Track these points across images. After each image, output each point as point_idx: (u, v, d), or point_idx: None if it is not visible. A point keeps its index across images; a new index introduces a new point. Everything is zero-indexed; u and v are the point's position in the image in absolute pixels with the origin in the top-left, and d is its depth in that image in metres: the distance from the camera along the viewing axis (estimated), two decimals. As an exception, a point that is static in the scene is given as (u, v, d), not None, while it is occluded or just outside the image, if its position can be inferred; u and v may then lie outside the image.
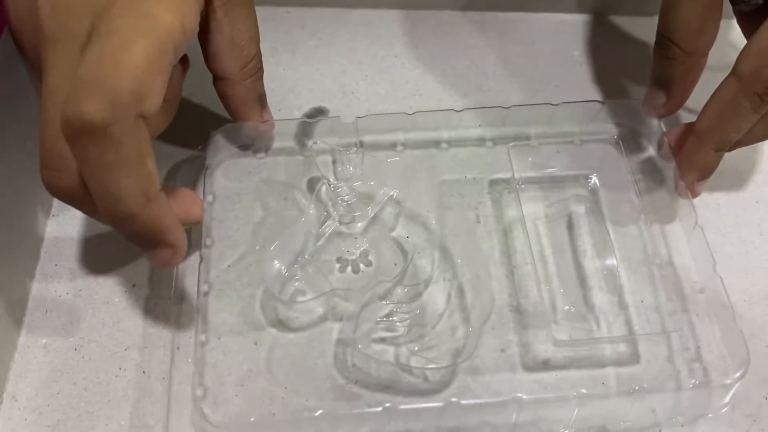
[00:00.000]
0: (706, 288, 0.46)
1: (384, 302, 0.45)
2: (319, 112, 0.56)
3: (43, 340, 0.45)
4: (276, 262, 0.46)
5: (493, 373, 0.44)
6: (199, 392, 0.42)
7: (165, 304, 0.46)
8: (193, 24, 0.37)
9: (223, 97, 0.47)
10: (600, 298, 0.46)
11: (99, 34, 0.33)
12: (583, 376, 0.44)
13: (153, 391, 0.43)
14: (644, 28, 0.60)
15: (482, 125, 0.52)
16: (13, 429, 0.42)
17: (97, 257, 0.48)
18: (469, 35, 0.61)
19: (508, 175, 0.50)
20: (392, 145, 0.52)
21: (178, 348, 0.44)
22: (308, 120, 0.53)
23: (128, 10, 0.34)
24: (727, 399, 0.43)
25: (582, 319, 0.45)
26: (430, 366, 0.43)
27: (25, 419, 0.42)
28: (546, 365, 0.44)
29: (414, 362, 0.43)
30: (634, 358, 0.44)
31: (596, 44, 0.61)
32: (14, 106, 0.45)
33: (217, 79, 0.45)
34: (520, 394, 0.41)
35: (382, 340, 0.44)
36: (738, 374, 0.42)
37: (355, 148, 0.50)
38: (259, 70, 0.46)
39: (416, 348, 0.44)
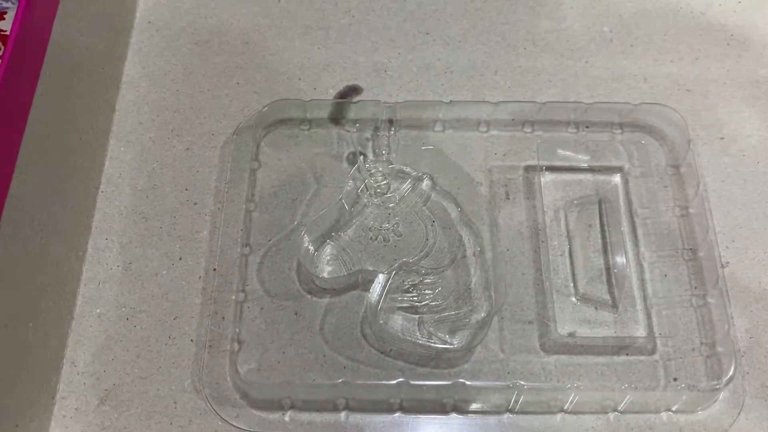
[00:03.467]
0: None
1: (409, 275, 0.48)
2: (352, 90, 0.57)
3: (98, 310, 0.48)
4: (306, 239, 0.48)
5: (509, 354, 0.46)
6: (236, 347, 0.46)
7: (210, 276, 0.49)
8: None
9: None
10: (620, 286, 0.48)
11: None
12: (596, 363, 0.46)
13: (201, 358, 0.46)
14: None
15: (516, 119, 0.54)
16: (72, 392, 0.45)
17: (144, 231, 0.50)
18: (499, 11, 0.61)
19: (543, 163, 0.52)
20: (429, 126, 0.54)
21: (223, 318, 0.47)
22: (342, 101, 0.54)
23: None
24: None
25: (600, 304, 0.48)
26: (445, 346, 0.46)
27: (84, 383, 0.46)
28: (564, 347, 0.46)
29: (433, 339, 0.46)
30: (649, 347, 0.47)
31: (627, 21, 0.61)
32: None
33: None
34: (522, 382, 0.44)
35: (405, 311, 0.47)
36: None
37: (392, 131, 0.52)
38: None
39: (436, 323, 0.46)
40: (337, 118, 0.54)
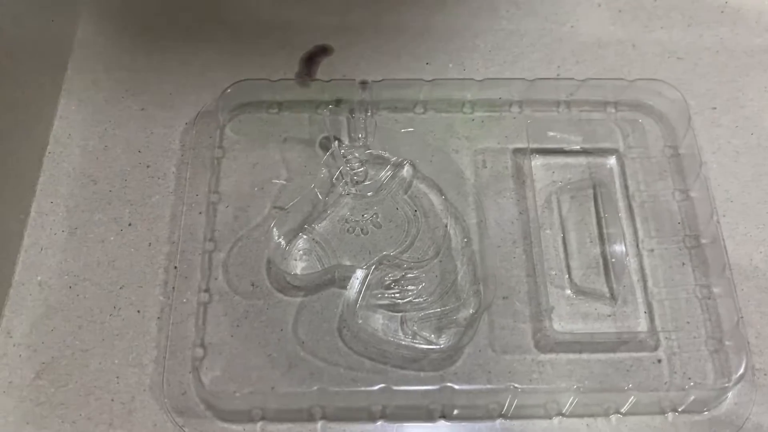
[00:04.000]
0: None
1: (390, 270, 0.44)
2: (322, 51, 0.54)
3: (38, 278, 0.45)
4: (276, 233, 0.45)
5: (499, 353, 0.43)
6: (199, 352, 0.42)
7: (162, 244, 0.46)
8: None
9: None
10: (619, 277, 0.45)
11: None
12: (595, 361, 0.43)
13: (147, 331, 0.43)
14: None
15: (502, 98, 0.51)
16: (7, 365, 0.42)
17: (92, 195, 0.48)
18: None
19: (533, 145, 0.49)
20: (410, 108, 0.51)
21: (173, 288, 0.44)
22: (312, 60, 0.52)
23: None
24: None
25: (598, 297, 0.45)
26: (431, 347, 0.42)
27: (20, 355, 0.42)
28: (560, 345, 0.43)
29: (417, 339, 0.43)
30: (652, 343, 0.44)
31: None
32: None
33: None
34: (516, 385, 0.41)
35: (386, 309, 0.44)
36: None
37: (369, 114, 0.49)
38: None
39: (420, 322, 0.43)
40: (302, 76, 0.52)
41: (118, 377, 0.42)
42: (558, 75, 0.53)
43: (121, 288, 0.45)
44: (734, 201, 0.49)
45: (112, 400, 0.41)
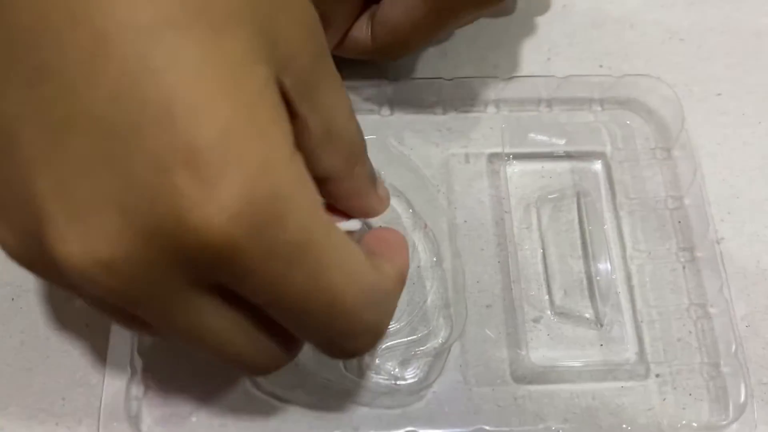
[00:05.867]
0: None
1: None
2: None
3: None
4: None
5: (472, 385, 0.39)
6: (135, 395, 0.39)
7: None
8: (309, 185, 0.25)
9: (330, 198, 0.33)
10: (604, 298, 0.41)
11: None
12: (578, 392, 0.40)
13: (96, 347, 0.40)
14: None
15: (475, 98, 0.47)
16: None
17: None
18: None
19: (509, 150, 0.45)
20: (375, 110, 0.46)
21: (121, 354, 0.39)
22: None
23: (273, 256, 0.23)
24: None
25: (580, 322, 0.41)
26: (396, 382, 0.39)
27: None
28: (539, 376, 0.40)
29: (381, 373, 0.39)
30: (641, 371, 0.40)
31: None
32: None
33: (319, 182, 0.31)
34: (488, 428, 0.38)
35: None
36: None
37: None
38: (364, 146, 0.33)
39: (384, 353, 0.40)
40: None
41: (63, 399, 0.39)
42: (548, 59, 0.49)
43: (67, 300, 0.41)
44: (741, 197, 0.45)
45: (57, 424, 0.38)
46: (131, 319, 0.26)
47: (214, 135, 0.21)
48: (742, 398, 0.38)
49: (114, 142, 0.21)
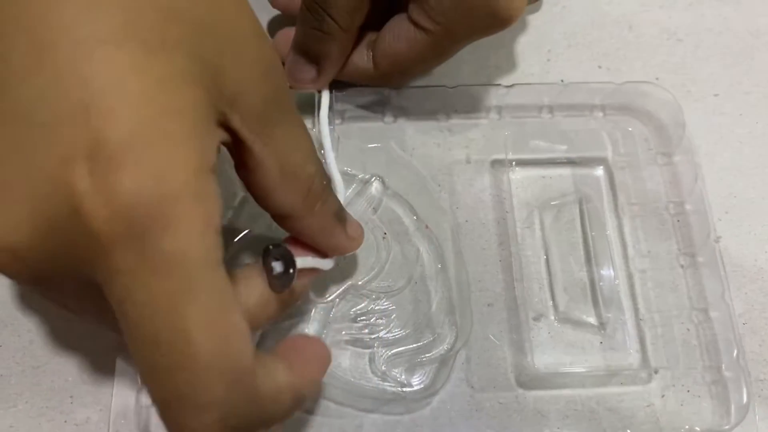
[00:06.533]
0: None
1: (357, 301, 0.41)
2: None
3: None
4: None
5: (477, 390, 0.40)
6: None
7: None
8: (217, 210, 0.25)
9: (294, 234, 0.35)
10: (607, 303, 0.41)
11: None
12: (582, 397, 0.40)
13: (103, 346, 0.40)
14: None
15: (478, 106, 0.46)
16: None
17: None
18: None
19: (512, 156, 0.45)
20: (378, 117, 0.46)
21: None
22: None
23: (141, 268, 0.23)
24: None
25: (583, 327, 0.41)
26: (403, 389, 0.39)
27: None
28: (543, 381, 0.40)
29: (387, 380, 0.39)
30: (644, 375, 0.40)
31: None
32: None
33: (279, 218, 0.33)
34: None
35: (353, 345, 0.40)
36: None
37: (331, 126, 0.43)
38: (326, 187, 0.34)
39: (391, 360, 0.40)
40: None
41: (72, 396, 0.39)
42: (548, 60, 0.49)
43: (73, 299, 0.41)
44: (738, 196, 0.45)
45: (66, 421, 0.39)
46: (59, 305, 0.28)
47: (121, 135, 0.22)
48: (744, 402, 0.38)
49: (32, 135, 0.22)
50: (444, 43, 0.40)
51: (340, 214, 0.36)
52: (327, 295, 0.40)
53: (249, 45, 0.28)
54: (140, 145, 0.22)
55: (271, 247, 0.32)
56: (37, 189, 0.22)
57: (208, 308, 0.23)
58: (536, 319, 0.41)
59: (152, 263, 0.22)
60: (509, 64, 0.49)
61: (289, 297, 0.33)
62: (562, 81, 0.48)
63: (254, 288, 0.31)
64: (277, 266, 0.32)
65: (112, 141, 0.22)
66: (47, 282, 0.25)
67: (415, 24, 0.39)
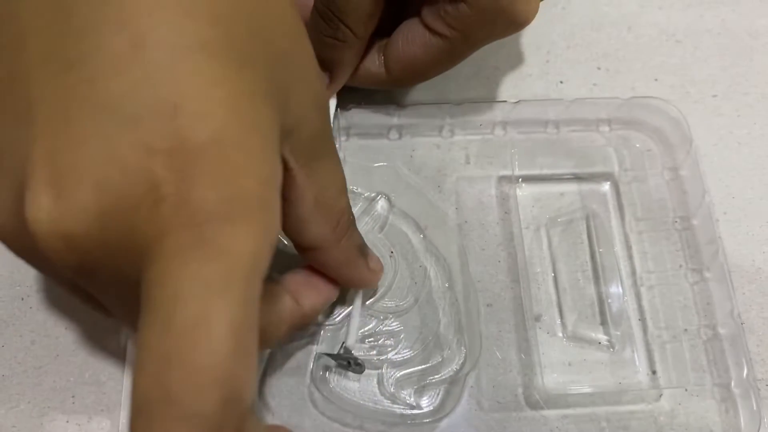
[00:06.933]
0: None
1: (366, 320, 0.40)
2: None
3: None
4: None
5: (487, 411, 0.39)
6: None
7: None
8: (276, 227, 0.25)
9: (317, 266, 0.36)
10: (616, 320, 0.41)
11: (153, 297, 0.23)
12: (592, 416, 0.40)
13: (105, 346, 0.40)
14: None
15: (484, 122, 0.46)
16: None
17: None
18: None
19: (519, 172, 0.44)
20: (383, 134, 0.46)
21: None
22: None
23: (190, 250, 0.23)
24: None
25: (592, 345, 0.41)
26: (412, 411, 0.38)
27: None
28: (553, 401, 0.39)
29: (396, 402, 0.39)
30: (654, 393, 0.40)
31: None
32: None
33: (305, 250, 0.34)
34: None
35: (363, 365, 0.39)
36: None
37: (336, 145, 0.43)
38: (353, 221, 0.36)
39: (401, 381, 0.39)
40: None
41: (74, 396, 0.39)
42: (547, 61, 0.49)
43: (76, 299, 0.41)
44: (736, 197, 0.45)
45: (68, 421, 0.38)
46: (88, 298, 0.28)
47: (204, 136, 0.23)
48: (755, 419, 0.38)
49: (117, 125, 0.22)
50: (461, 48, 0.40)
51: (363, 249, 0.37)
52: (335, 316, 0.40)
53: (311, 82, 0.29)
54: (219, 147, 0.23)
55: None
56: (112, 174, 0.22)
57: (236, 311, 0.23)
58: (537, 319, 0.41)
59: (202, 251, 0.22)
60: (508, 65, 0.49)
61: (300, 321, 0.34)
62: (561, 82, 0.48)
63: (274, 306, 0.32)
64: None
65: (194, 139, 0.23)
66: (88, 273, 0.25)
67: (430, 29, 0.39)
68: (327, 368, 0.39)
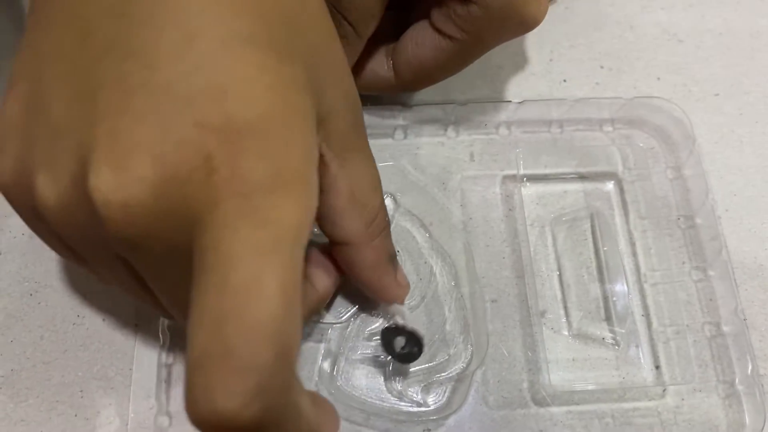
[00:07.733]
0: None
1: (372, 320, 0.41)
2: None
3: None
4: None
5: (493, 408, 0.39)
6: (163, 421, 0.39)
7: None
8: (315, 203, 0.27)
9: (346, 265, 0.37)
10: (621, 318, 0.41)
11: (206, 264, 0.24)
12: (597, 413, 0.40)
13: (113, 341, 0.40)
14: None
15: (488, 122, 0.46)
16: None
17: None
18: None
19: (523, 172, 0.45)
20: (388, 134, 0.46)
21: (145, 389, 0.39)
22: None
23: (240, 217, 0.24)
24: None
25: (597, 343, 0.41)
26: (420, 409, 0.39)
27: None
28: (559, 398, 0.40)
29: (404, 399, 0.39)
30: (659, 390, 0.40)
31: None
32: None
33: (337, 245, 0.35)
34: None
35: (370, 363, 0.40)
36: None
37: None
38: (388, 225, 0.37)
39: (408, 379, 0.39)
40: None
41: (82, 391, 0.39)
42: (551, 60, 0.49)
43: (84, 295, 0.41)
44: (738, 195, 0.46)
45: (76, 415, 0.39)
46: (124, 280, 0.30)
47: (251, 116, 0.25)
48: (759, 415, 0.39)
49: (173, 104, 0.25)
50: (471, 50, 0.40)
51: (393, 258, 0.38)
52: (342, 315, 0.40)
53: (342, 78, 0.32)
54: (266, 125, 0.25)
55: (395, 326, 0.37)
56: (167, 149, 0.24)
57: (285, 273, 0.24)
58: (542, 314, 0.41)
59: (251, 219, 0.24)
60: (512, 64, 0.49)
61: (316, 305, 0.36)
62: (564, 81, 0.48)
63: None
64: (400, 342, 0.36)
65: (243, 119, 0.25)
66: (141, 244, 0.26)
67: (440, 32, 0.39)
68: (334, 365, 0.39)
